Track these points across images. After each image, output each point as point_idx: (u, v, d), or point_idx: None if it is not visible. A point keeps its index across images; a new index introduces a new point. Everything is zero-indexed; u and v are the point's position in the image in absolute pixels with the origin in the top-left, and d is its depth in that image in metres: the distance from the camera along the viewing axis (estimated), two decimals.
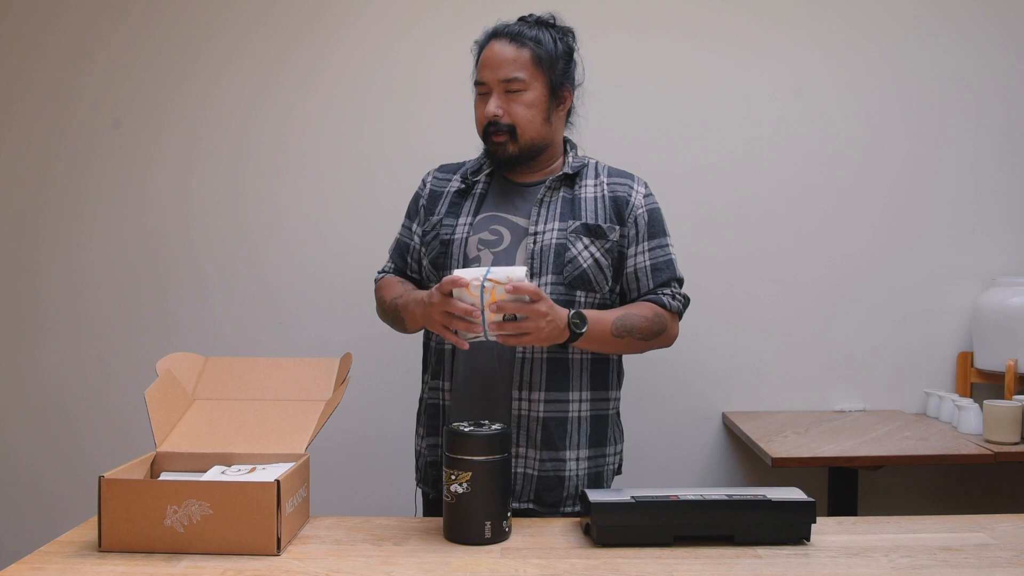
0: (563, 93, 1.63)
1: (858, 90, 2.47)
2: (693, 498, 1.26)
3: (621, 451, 1.71)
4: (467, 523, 1.26)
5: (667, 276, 1.63)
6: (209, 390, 1.55)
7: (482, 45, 1.61)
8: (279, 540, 1.21)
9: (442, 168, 1.75)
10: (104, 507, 1.21)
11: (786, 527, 1.26)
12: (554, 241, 1.56)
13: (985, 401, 2.11)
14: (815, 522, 1.27)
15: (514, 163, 1.61)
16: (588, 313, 1.51)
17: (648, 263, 1.62)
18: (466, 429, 1.27)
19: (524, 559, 1.20)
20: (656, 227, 1.64)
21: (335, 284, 2.48)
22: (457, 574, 1.15)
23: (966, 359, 2.44)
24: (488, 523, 1.26)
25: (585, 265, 1.56)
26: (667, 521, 1.25)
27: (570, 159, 1.66)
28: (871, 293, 2.48)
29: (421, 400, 1.71)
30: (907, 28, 2.47)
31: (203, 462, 1.39)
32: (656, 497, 1.26)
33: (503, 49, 1.57)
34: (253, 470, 1.33)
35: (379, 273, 1.77)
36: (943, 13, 2.47)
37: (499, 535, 1.27)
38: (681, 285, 1.67)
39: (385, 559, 1.21)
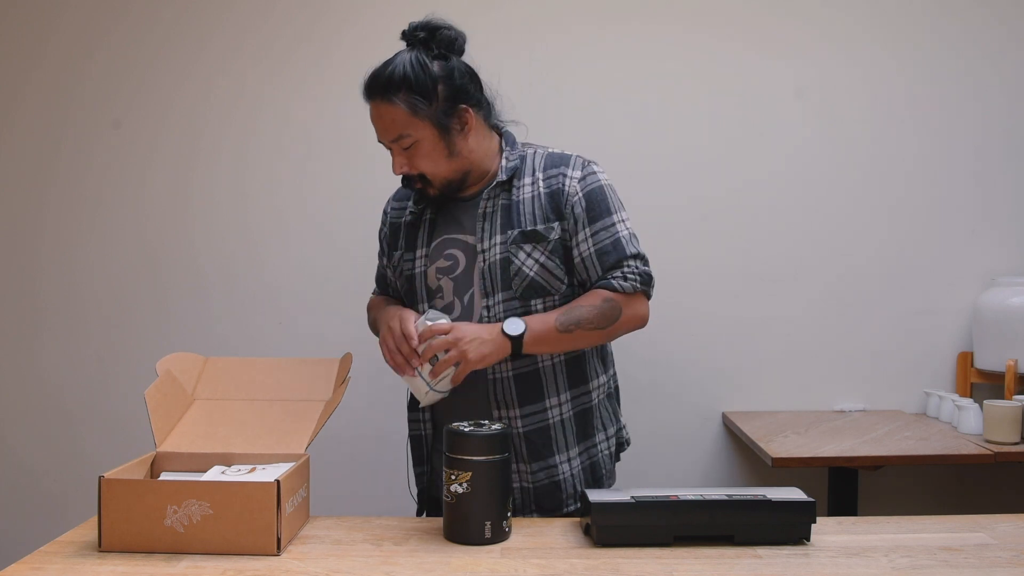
0: (457, 120, 1.51)
1: (861, 90, 2.47)
2: (693, 498, 1.26)
3: (616, 432, 1.68)
4: (467, 523, 1.26)
5: (615, 258, 1.53)
6: (209, 390, 1.55)
7: (365, 98, 1.53)
8: (279, 540, 1.21)
9: (397, 195, 1.72)
10: (104, 507, 1.21)
11: (786, 527, 1.26)
12: (498, 256, 1.52)
13: (985, 401, 2.11)
14: (815, 522, 1.27)
15: (447, 197, 1.59)
16: (530, 317, 1.50)
17: (593, 249, 1.53)
18: (466, 429, 1.27)
19: (524, 559, 1.20)
20: (597, 208, 1.54)
21: (335, 284, 2.48)
22: (457, 574, 1.15)
23: (966, 359, 2.44)
24: (488, 523, 1.26)
25: (532, 274, 1.52)
26: (667, 521, 1.25)
27: (504, 161, 1.57)
28: (871, 293, 2.48)
29: (410, 437, 1.72)
30: (911, 27, 2.47)
31: (203, 462, 1.39)
32: (656, 497, 1.26)
33: (378, 110, 1.50)
34: (253, 470, 1.34)
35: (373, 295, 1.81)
36: (949, 13, 2.46)
37: (499, 535, 1.27)
38: (639, 261, 1.56)
39: (385, 559, 1.21)
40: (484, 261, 1.53)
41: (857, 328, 2.48)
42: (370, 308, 1.76)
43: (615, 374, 1.72)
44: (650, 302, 1.60)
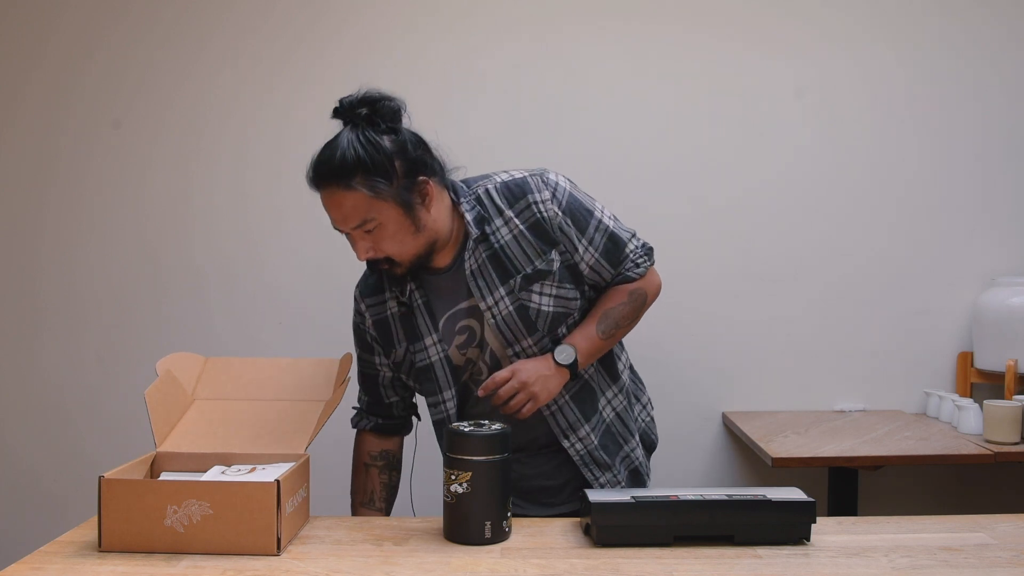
0: (418, 194, 1.42)
1: (861, 90, 2.47)
2: (693, 498, 1.26)
3: (648, 400, 1.76)
4: (467, 523, 1.26)
5: (619, 250, 1.54)
6: (209, 390, 1.55)
7: (314, 186, 1.42)
8: (279, 540, 1.21)
9: (365, 292, 1.59)
10: (104, 507, 1.21)
11: (786, 527, 1.26)
12: (511, 308, 1.49)
13: (985, 401, 2.11)
14: (815, 522, 1.27)
15: (416, 272, 1.50)
16: (571, 336, 1.51)
17: (597, 254, 1.53)
18: (466, 429, 1.27)
19: (524, 559, 1.20)
20: (581, 216, 1.51)
21: (335, 284, 2.46)
22: (457, 574, 1.15)
23: (966, 359, 2.44)
24: (488, 523, 1.26)
25: (551, 309, 1.50)
26: (667, 521, 1.25)
27: (467, 216, 1.48)
28: (871, 293, 2.48)
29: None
30: (911, 27, 2.47)
31: (203, 462, 1.39)
32: (656, 497, 1.26)
33: (335, 198, 1.39)
34: (253, 470, 1.33)
35: (356, 412, 1.67)
36: (949, 13, 2.47)
37: (499, 535, 1.27)
38: (635, 240, 1.57)
39: (385, 559, 1.21)
40: (493, 317, 1.49)
41: (857, 328, 2.48)
42: (356, 463, 1.64)
43: None
44: (652, 303, 1.63)
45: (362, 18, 2.50)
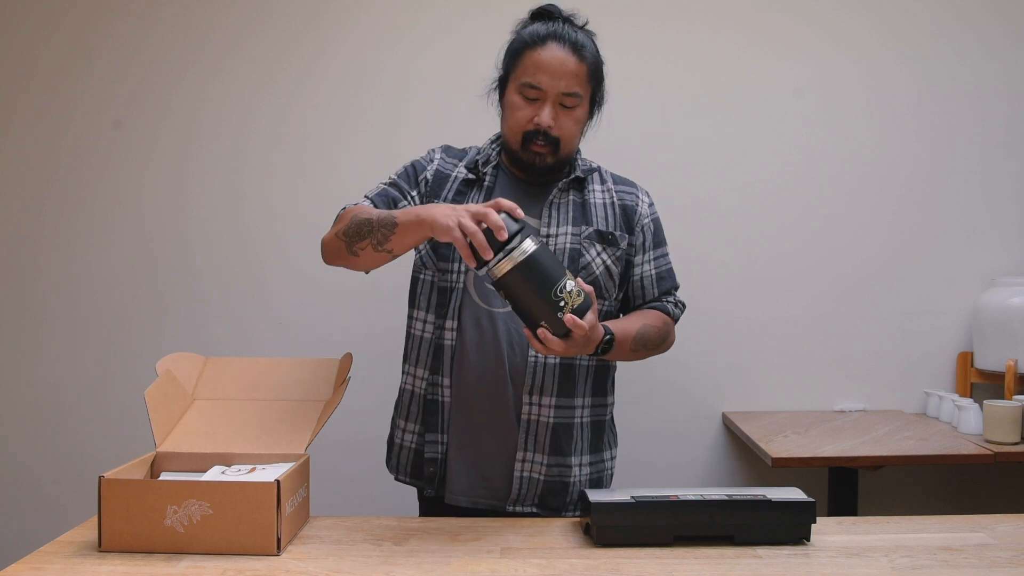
0: (597, 111, 1.60)
1: (861, 90, 2.47)
2: (693, 498, 1.26)
3: (616, 456, 1.70)
4: (539, 306, 1.28)
5: (669, 284, 1.68)
6: (209, 390, 1.55)
7: (534, 41, 1.49)
8: (279, 540, 1.21)
9: (448, 151, 1.65)
10: (104, 507, 1.21)
11: (786, 527, 1.26)
12: (568, 246, 1.54)
13: (985, 401, 2.11)
14: (815, 522, 1.27)
15: (544, 173, 1.56)
16: (615, 330, 1.48)
17: (654, 272, 1.65)
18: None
19: (524, 559, 1.20)
20: (659, 237, 1.67)
21: (334, 284, 2.48)
22: (457, 574, 1.15)
23: (966, 359, 2.44)
24: (559, 286, 1.28)
25: (598, 272, 1.55)
26: (667, 521, 1.25)
27: (578, 163, 1.62)
28: (871, 293, 2.48)
29: (407, 392, 1.63)
30: (911, 27, 2.47)
31: (203, 462, 1.39)
32: (656, 497, 1.26)
33: (566, 58, 1.48)
34: (253, 470, 1.34)
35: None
36: (949, 13, 2.46)
37: (572, 297, 1.28)
38: (678, 293, 1.72)
39: (385, 559, 1.21)
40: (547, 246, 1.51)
41: (857, 328, 2.48)
42: (359, 210, 1.47)
43: None
44: (665, 350, 1.69)
45: (362, 18, 2.49)
